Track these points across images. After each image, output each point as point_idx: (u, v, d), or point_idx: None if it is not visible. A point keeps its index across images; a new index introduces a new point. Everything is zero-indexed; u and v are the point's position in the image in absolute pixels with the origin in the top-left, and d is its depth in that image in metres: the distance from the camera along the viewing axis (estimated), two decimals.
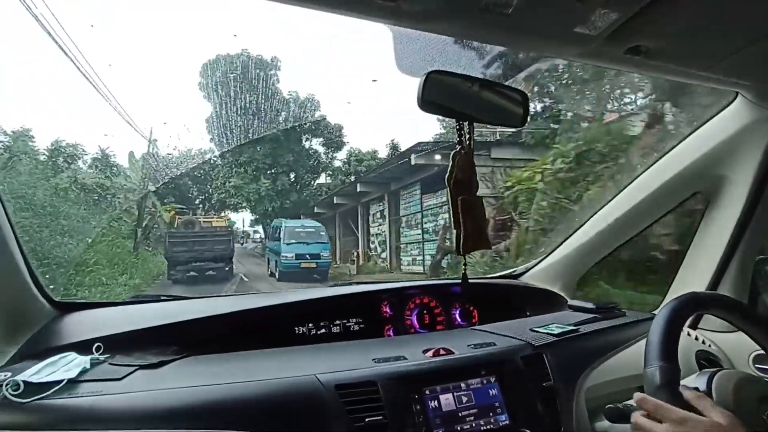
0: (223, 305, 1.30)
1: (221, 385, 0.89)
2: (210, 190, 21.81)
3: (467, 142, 0.90)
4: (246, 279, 13.33)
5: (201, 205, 22.79)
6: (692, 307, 0.90)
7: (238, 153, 19.39)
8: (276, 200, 20.34)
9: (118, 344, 1.04)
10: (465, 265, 0.98)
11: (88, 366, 0.93)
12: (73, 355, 0.96)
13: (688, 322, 1.07)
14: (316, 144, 22.53)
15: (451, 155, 0.89)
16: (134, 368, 0.94)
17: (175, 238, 13.54)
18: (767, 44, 0.88)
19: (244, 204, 20.71)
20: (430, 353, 1.07)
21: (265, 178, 20.26)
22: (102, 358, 0.99)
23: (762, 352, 0.92)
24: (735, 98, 1.20)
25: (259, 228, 24.37)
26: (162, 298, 1.38)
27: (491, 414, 0.99)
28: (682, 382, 0.78)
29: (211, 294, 1.86)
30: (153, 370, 0.96)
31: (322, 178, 22.83)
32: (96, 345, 1.00)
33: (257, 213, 21.58)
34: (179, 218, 17.56)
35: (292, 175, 21.49)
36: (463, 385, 1.00)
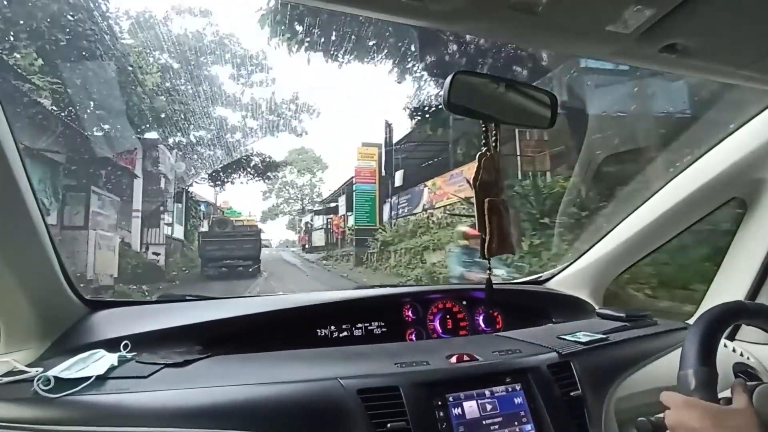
0: (247, 306, 1.31)
1: (244, 386, 0.89)
2: None
3: (493, 143, 0.88)
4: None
5: None
6: (735, 315, 0.86)
7: None
8: None
9: (145, 342, 1.06)
10: (489, 270, 0.95)
11: (115, 363, 0.95)
12: (102, 352, 0.98)
13: (726, 333, 1.02)
14: None
15: (477, 156, 0.88)
16: (160, 367, 0.96)
17: (208, 237, 14.88)
18: None
19: None
20: (453, 359, 1.05)
21: None
22: (129, 356, 1.01)
23: None
24: None
25: None
26: (187, 298, 1.40)
27: (516, 423, 0.96)
28: (720, 395, 0.74)
29: (238, 294, 1.89)
30: (178, 369, 0.97)
31: None
32: (123, 343, 1.02)
33: None
34: (212, 217, 18.93)
35: None
36: (487, 392, 0.98)
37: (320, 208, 31.41)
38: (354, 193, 19.17)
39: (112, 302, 1.24)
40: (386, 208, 18.52)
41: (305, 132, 21.35)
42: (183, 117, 14.67)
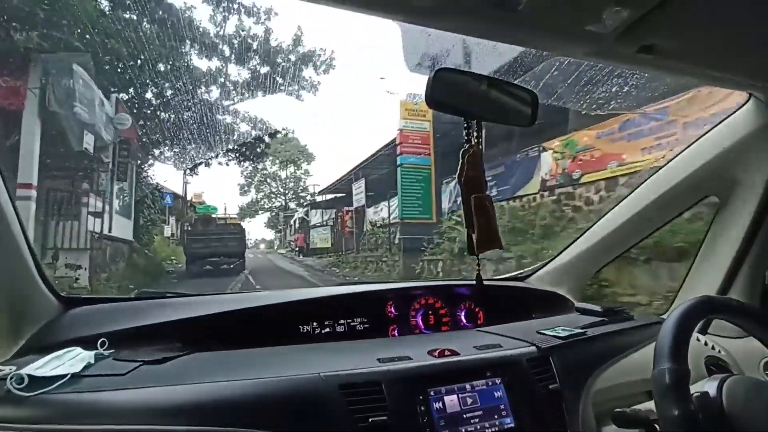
0: (228, 303, 1.30)
1: (224, 383, 0.88)
2: None
3: (475, 140, 0.89)
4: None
5: None
6: (705, 310, 0.88)
7: None
8: None
9: (122, 340, 1.04)
10: (478, 265, 0.97)
11: (92, 361, 0.93)
12: (78, 349, 0.96)
13: (698, 327, 1.05)
14: None
15: (461, 153, 0.89)
16: (138, 364, 0.94)
17: (193, 235, 14.75)
18: None
19: None
20: (435, 354, 1.06)
21: None
22: (106, 353, 0.99)
23: None
24: (748, 100, 1.19)
25: None
26: (167, 294, 1.38)
27: (496, 416, 0.97)
28: (692, 387, 0.77)
29: (221, 291, 1.87)
30: (157, 366, 0.96)
31: None
32: (101, 340, 1.00)
33: None
34: (195, 216, 18.04)
35: None
36: (468, 386, 0.99)
37: (319, 200, 25.44)
38: (399, 170, 12.73)
39: (88, 299, 1.21)
40: (447, 191, 12.47)
41: (315, 87, 14.60)
42: (129, 53, 9.39)
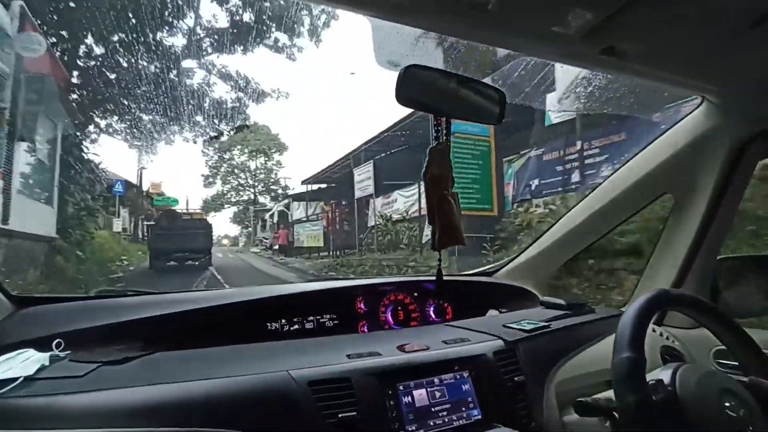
0: (192, 300, 1.26)
1: (190, 382, 0.86)
2: None
3: (443, 137, 0.90)
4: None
5: None
6: (661, 303, 0.93)
7: None
8: None
9: (80, 341, 0.99)
10: (440, 261, 0.98)
11: (46, 363, 0.89)
12: (31, 351, 0.91)
13: (654, 318, 1.10)
14: None
15: (428, 150, 0.89)
16: (96, 365, 0.90)
17: (158, 230, 14.01)
18: (729, 52, 0.91)
19: None
20: (404, 349, 1.07)
21: None
22: (62, 354, 0.94)
23: (722, 347, 0.95)
24: (701, 103, 1.25)
25: None
26: (128, 293, 1.33)
27: (464, 409, 0.99)
28: (648, 375, 0.80)
29: (186, 288, 1.82)
30: (117, 367, 0.92)
31: None
32: (56, 341, 0.95)
33: None
34: (152, 209, 17.15)
35: None
36: (436, 380, 1.00)
37: (303, 191, 21.17)
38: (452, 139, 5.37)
39: (43, 299, 1.15)
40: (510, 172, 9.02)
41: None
42: None
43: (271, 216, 27.78)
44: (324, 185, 19.72)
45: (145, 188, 19.02)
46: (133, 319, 1.11)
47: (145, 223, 16.68)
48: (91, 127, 9.17)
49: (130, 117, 9.45)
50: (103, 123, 9.34)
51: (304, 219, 19.88)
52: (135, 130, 10.06)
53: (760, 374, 0.87)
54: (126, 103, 8.86)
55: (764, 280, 1.39)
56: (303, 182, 20.45)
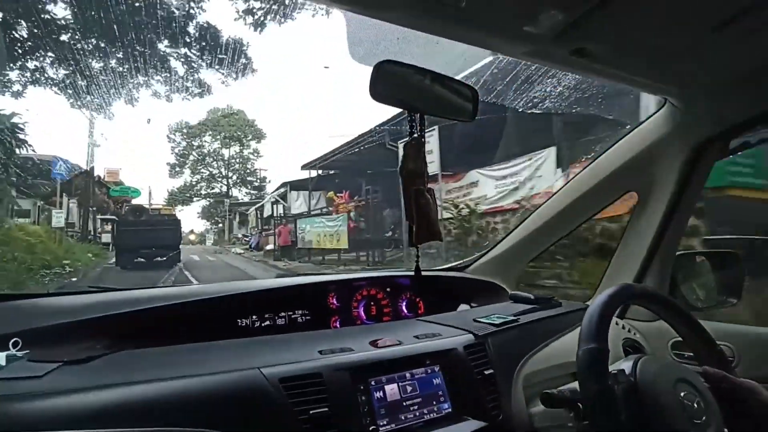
0: (160, 297, 1.23)
1: (155, 382, 0.83)
2: None
3: (418, 133, 0.90)
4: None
5: None
6: (624, 297, 0.96)
7: None
8: None
9: (40, 340, 0.95)
10: (418, 257, 0.99)
11: (2, 363, 0.84)
12: None
13: (617, 312, 1.15)
14: None
15: (402, 146, 0.89)
16: (57, 364, 0.86)
17: (125, 226, 13.67)
18: (691, 54, 0.95)
19: None
20: (376, 344, 1.08)
21: None
22: (20, 354, 0.89)
23: (679, 339, 1.00)
24: (664, 104, 1.30)
25: None
26: (90, 289, 1.28)
27: (434, 402, 1.01)
28: (610, 366, 0.84)
29: (153, 284, 1.76)
30: (79, 366, 0.88)
31: None
32: (13, 340, 0.91)
33: None
34: (126, 205, 16.49)
35: None
36: (408, 374, 1.01)
37: (304, 177, 17.41)
38: None
39: None
40: None
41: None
42: None
43: (259, 209, 23.86)
44: (331, 171, 16.39)
45: (100, 175, 16.77)
46: (97, 316, 1.07)
47: (99, 217, 15.69)
48: (11, 72, 5.75)
49: (73, 58, 6.03)
50: (31, 65, 5.95)
51: (316, 212, 16.32)
52: (81, 79, 6.38)
53: (713, 364, 0.91)
54: (66, 38, 5.31)
55: (718, 274, 1.47)
56: (303, 167, 16.72)
